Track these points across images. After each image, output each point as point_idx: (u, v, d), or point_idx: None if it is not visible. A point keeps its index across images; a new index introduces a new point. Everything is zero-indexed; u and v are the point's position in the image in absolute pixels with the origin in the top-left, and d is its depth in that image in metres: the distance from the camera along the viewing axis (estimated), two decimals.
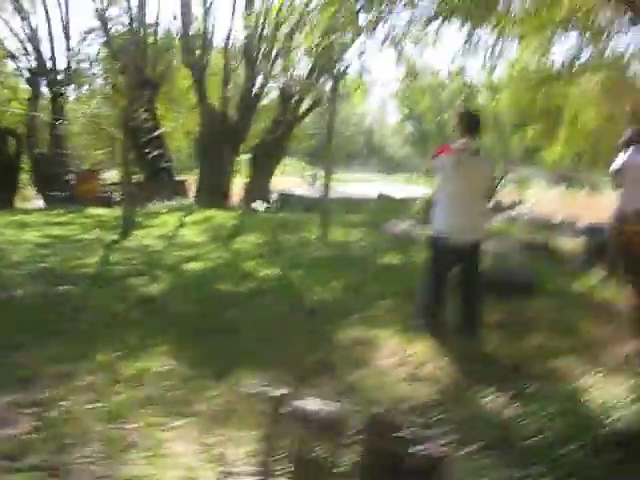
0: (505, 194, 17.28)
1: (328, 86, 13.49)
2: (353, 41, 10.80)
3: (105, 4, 19.10)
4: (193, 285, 7.16)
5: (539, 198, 18.81)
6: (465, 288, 5.28)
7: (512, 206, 16.68)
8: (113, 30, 19.71)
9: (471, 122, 5.28)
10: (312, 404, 2.63)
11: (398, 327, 5.49)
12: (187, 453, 3.18)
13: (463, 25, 7.76)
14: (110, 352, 4.66)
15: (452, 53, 21.98)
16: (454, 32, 7.93)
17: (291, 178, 28.90)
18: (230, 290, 6.97)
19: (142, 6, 18.71)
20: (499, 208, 17.08)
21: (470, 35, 7.95)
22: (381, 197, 20.77)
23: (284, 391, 2.67)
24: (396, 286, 7.01)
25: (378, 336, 5.32)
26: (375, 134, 61.09)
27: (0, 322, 5.38)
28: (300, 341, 5.18)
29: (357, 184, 29.38)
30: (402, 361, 4.75)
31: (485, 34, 8.11)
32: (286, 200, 20.38)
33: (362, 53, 10.28)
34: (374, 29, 7.73)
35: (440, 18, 7.66)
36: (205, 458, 3.09)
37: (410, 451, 2.41)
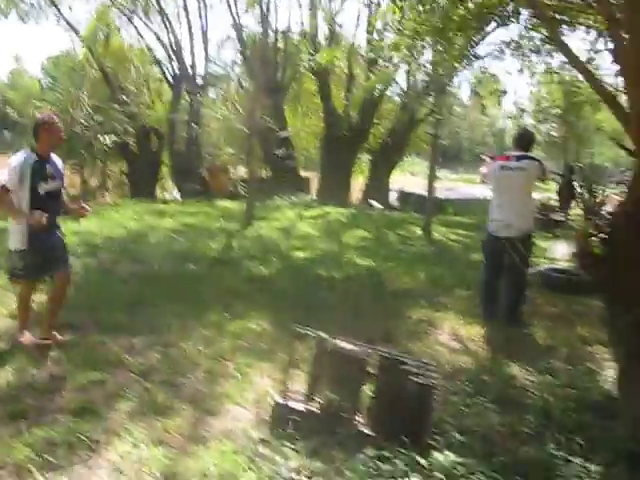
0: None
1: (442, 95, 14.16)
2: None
3: (240, 15, 20.69)
4: (297, 269, 8.35)
5: None
6: (508, 280, 6.11)
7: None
8: (246, 37, 21.37)
9: (522, 138, 6.19)
10: (346, 345, 3.70)
11: (461, 312, 6.43)
12: (264, 383, 4.40)
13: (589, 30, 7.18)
14: (220, 314, 5.98)
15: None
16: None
17: (417, 178, 29.76)
18: (328, 275, 8.08)
19: (267, 12, 20.14)
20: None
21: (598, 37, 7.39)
22: None
23: (326, 335, 3.75)
24: (476, 279, 7.86)
25: (442, 317, 6.30)
26: (507, 136, 60.16)
27: (140, 288, 6.81)
28: (375, 317, 6.22)
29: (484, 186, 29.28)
30: (454, 337, 5.72)
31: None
32: (405, 199, 21.24)
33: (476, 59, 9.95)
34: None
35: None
36: (275, 386, 4.27)
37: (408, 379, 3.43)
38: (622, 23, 2.96)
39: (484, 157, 6.68)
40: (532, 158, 6.08)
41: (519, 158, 6.03)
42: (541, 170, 6.08)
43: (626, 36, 2.98)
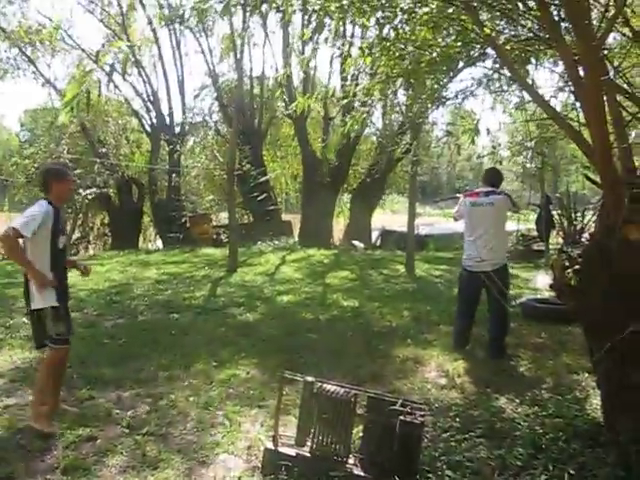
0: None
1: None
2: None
3: (215, 63, 20.97)
4: (283, 313, 8.39)
5: None
6: (490, 313, 6.22)
7: None
8: (222, 85, 21.63)
9: (490, 175, 6.44)
10: (334, 387, 3.73)
11: (447, 347, 6.48)
12: (254, 430, 4.40)
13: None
14: (208, 362, 5.99)
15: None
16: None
17: (398, 216, 29.93)
18: (313, 318, 8.12)
19: (241, 59, 20.32)
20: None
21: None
22: None
23: (312, 378, 3.78)
24: None
25: (429, 354, 6.33)
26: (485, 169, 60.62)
27: (126, 339, 6.82)
28: (362, 357, 6.26)
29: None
30: (441, 373, 5.76)
31: None
32: (388, 237, 21.31)
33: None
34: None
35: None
36: (265, 432, 4.28)
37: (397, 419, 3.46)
38: (579, 62, 3.09)
39: (459, 196, 6.83)
40: (499, 193, 6.27)
41: (487, 194, 6.24)
42: (509, 203, 6.31)
43: (583, 74, 3.11)
